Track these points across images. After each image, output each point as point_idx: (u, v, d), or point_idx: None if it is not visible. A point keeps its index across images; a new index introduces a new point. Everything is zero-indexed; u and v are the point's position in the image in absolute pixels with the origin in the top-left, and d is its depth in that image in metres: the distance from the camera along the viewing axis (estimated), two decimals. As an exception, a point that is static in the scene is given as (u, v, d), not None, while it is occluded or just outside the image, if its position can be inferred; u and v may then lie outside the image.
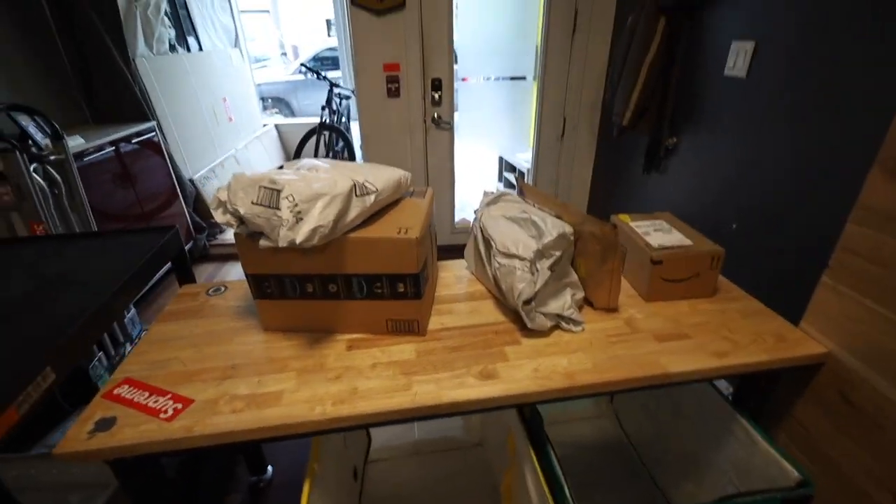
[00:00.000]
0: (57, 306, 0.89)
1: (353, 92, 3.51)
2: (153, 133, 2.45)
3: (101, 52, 2.29)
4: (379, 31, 2.24)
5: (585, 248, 0.91)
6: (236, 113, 3.82)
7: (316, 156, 3.44)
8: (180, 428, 0.70)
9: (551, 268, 0.85)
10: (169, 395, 0.77)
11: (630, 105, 1.86)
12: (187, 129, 2.95)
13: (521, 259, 0.87)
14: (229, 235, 3.00)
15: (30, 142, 1.72)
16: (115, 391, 0.78)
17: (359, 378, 0.80)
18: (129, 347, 1.95)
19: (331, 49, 7.10)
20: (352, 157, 3.30)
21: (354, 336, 0.90)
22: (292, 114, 6.79)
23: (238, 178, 0.77)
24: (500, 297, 0.96)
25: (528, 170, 2.89)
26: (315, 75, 3.28)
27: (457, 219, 2.84)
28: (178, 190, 2.64)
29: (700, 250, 0.95)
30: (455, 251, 1.20)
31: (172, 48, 2.98)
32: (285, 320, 0.91)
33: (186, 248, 2.70)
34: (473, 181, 3.79)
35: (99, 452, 0.67)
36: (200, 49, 3.46)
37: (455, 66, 2.41)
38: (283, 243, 0.71)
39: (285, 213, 0.71)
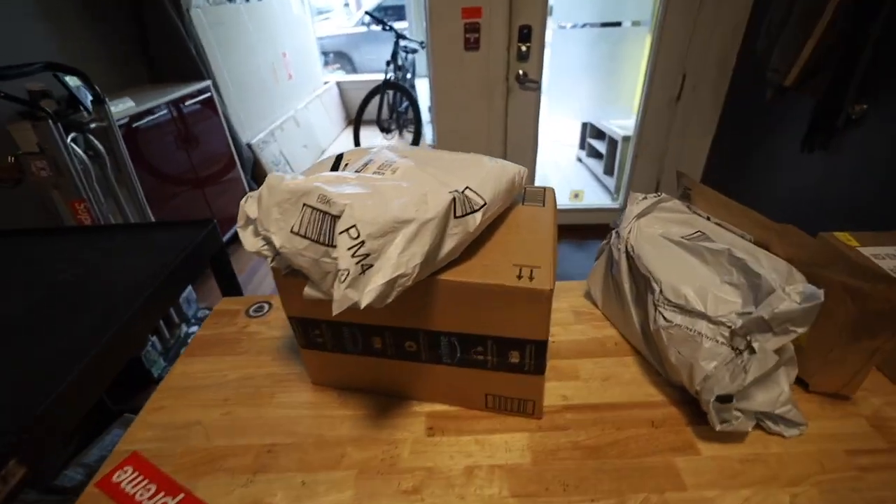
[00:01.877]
0: (49, 341, 0.68)
1: (421, 44, 3.13)
2: (208, 93, 2.26)
3: (154, 1, 2.09)
4: (459, -34, 1.84)
5: (823, 307, 0.55)
6: (296, 69, 3.58)
7: (379, 117, 3.14)
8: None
9: (780, 351, 0.50)
10: (181, 497, 0.53)
11: (799, 59, 1.36)
12: (245, 88, 2.76)
13: (713, 322, 0.53)
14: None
15: (78, 107, 1.56)
16: (116, 476, 0.56)
17: (447, 495, 0.52)
18: (184, 329, 1.84)
19: (395, -2, 6.61)
20: (417, 119, 2.97)
21: (437, 408, 0.63)
22: (354, 69, 6.46)
23: (273, 184, 0.49)
24: (659, 367, 0.63)
25: (627, 138, 2.43)
26: (381, 25, 2.93)
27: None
28: (236, 155, 2.47)
29: None
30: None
31: (230, -3, 2.74)
32: (341, 377, 0.65)
33: None
34: (548, 150, 3.34)
35: None
36: (260, -2, 3.20)
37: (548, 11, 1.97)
38: (338, 308, 0.42)
39: (344, 257, 0.42)
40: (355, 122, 3.15)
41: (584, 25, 2.21)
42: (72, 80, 1.51)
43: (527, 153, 2.28)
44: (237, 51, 2.71)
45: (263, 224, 0.49)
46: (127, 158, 1.53)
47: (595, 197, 2.83)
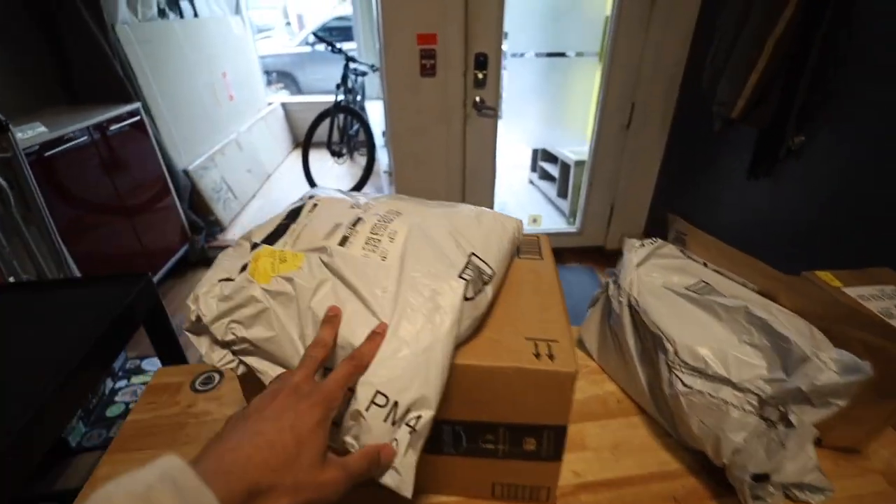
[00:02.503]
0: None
1: (371, 67, 3.07)
2: (137, 116, 2.05)
3: (73, 17, 1.87)
4: (414, -8, 1.80)
5: (841, 365, 0.52)
6: (238, 90, 3.39)
7: (330, 140, 3.02)
8: None
9: (818, 424, 0.47)
10: None
11: (744, 92, 1.44)
12: (181, 110, 2.54)
13: (739, 389, 0.49)
14: (230, 235, 2.63)
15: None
16: None
17: None
18: (109, 385, 1.61)
19: (341, 18, 6.54)
20: (370, 143, 2.88)
21: (437, 499, 0.54)
22: (298, 90, 6.27)
23: (237, 293, 0.39)
24: (670, 429, 0.59)
25: (580, 163, 2.48)
26: (329, 47, 2.84)
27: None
28: (171, 183, 2.25)
29: None
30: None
31: (162, 13, 2.54)
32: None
33: (181, 252, 2.32)
34: (501, 173, 3.37)
35: None
36: (196, 15, 3.01)
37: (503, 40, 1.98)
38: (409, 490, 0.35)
39: (382, 429, 0.36)
40: (304, 145, 3.01)
41: (536, 54, 2.26)
42: (-34, 104, 1.29)
43: (485, 178, 2.26)
44: (171, 70, 2.50)
45: (235, 337, 0.40)
46: (37, 193, 1.31)
47: (550, 220, 2.86)
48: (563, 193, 2.96)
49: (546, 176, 3.28)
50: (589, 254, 2.51)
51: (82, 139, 1.70)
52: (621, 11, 1.90)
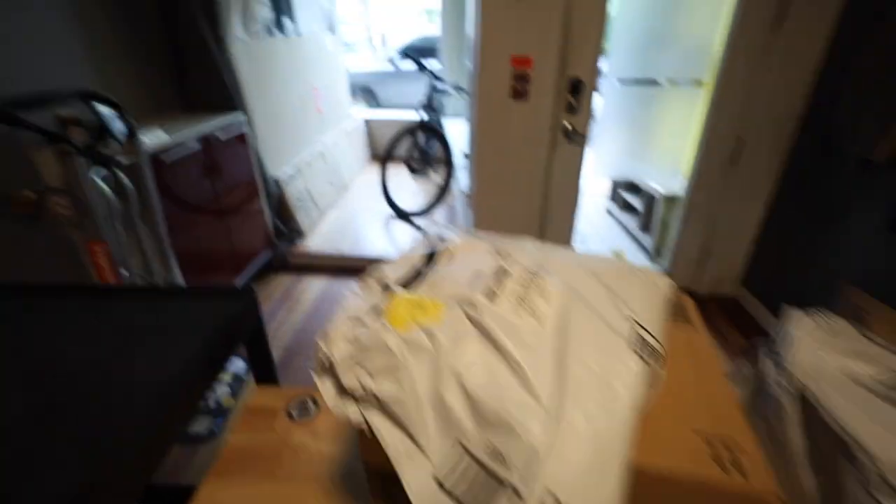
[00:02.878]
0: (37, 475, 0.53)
1: (456, 88, 3.09)
2: (242, 127, 2.18)
3: (193, 31, 2.04)
4: (514, 14, 1.78)
5: None
6: (326, 104, 3.56)
7: (410, 157, 3.06)
8: None
9: None
10: None
11: (893, 130, 1.25)
12: (275, 121, 2.70)
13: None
14: (309, 242, 2.73)
15: (108, 138, 1.46)
16: None
17: None
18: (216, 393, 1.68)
19: (425, 38, 6.74)
20: (449, 163, 2.88)
21: None
22: (377, 105, 6.53)
23: (376, 340, 0.35)
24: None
25: (671, 198, 2.32)
26: (417, 65, 2.90)
27: (573, 250, 2.33)
28: (262, 191, 2.38)
29: None
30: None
31: (268, 31, 2.72)
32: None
33: (265, 259, 2.45)
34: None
35: None
36: (296, 33, 3.20)
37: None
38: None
39: None
40: (383, 160, 3.07)
41: (618, 79, 2.14)
42: (105, 109, 1.42)
43: (567, 207, 2.16)
44: (271, 84, 2.67)
45: (361, 386, 0.36)
46: (155, 197, 1.42)
47: (631, 256, 2.69)
48: (646, 228, 2.78)
49: (626, 206, 3.11)
50: (674, 295, 2.32)
51: (194, 146, 1.84)
52: (738, 37, 1.76)
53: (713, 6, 1.78)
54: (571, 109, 1.93)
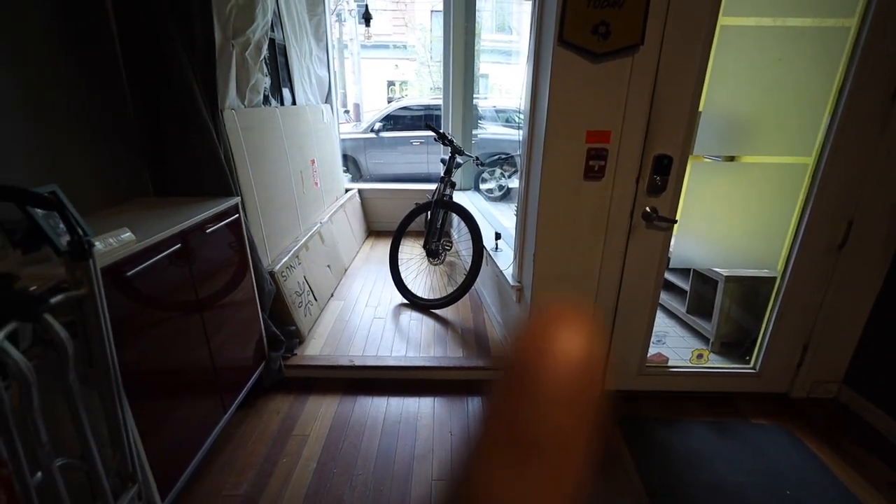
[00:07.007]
0: None
1: (476, 162, 2.75)
2: (235, 214, 1.71)
3: (181, 100, 1.62)
4: (591, 83, 1.47)
5: None
6: (323, 177, 3.16)
7: (428, 240, 2.61)
8: None
9: None
10: None
11: None
12: (272, 201, 2.25)
13: None
14: (309, 350, 2.17)
15: (36, 247, 0.97)
16: None
17: None
18: None
19: (405, 108, 6.65)
20: (477, 245, 2.43)
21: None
22: (359, 173, 6.26)
23: None
24: None
25: (731, 278, 1.97)
26: (439, 137, 2.55)
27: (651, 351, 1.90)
28: (255, 291, 1.86)
29: None
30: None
31: (266, 100, 2.35)
32: None
33: (256, 375, 1.82)
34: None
35: None
36: (294, 103, 2.86)
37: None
38: None
39: None
40: (394, 241, 2.64)
41: (725, 158, 1.81)
42: (40, 211, 0.93)
43: (644, 303, 1.77)
44: (268, 158, 2.25)
45: None
46: (109, 343, 0.90)
47: (681, 342, 2.30)
48: (695, 311, 2.44)
49: (666, 285, 2.76)
50: (769, 402, 1.90)
51: (174, 246, 1.34)
52: (848, 109, 1.50)
53: (821, 78, 1.53)
54: (655, 189, 1.59)
